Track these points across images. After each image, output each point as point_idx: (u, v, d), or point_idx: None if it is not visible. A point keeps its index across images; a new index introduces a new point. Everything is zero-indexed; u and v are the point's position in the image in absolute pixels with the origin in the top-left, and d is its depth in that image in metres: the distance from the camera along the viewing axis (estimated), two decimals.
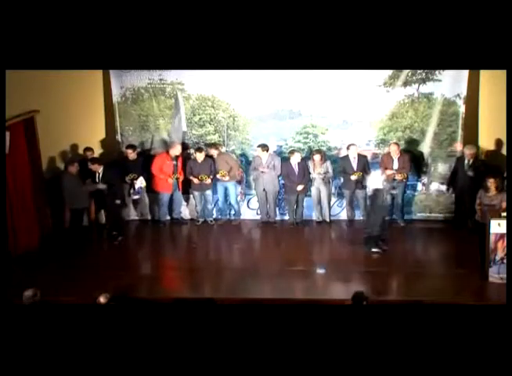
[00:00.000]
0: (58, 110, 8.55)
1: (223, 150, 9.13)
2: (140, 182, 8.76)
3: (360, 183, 8.63)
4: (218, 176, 8.83)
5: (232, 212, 9.30)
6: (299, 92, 8.86)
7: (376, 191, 7.66)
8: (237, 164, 9.06)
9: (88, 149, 8.86)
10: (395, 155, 8.57)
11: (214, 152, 8.88)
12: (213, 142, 9.09)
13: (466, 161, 8.37)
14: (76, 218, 8.46)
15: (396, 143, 8.63)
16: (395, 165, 8.60)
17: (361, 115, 8.94)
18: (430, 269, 7.36)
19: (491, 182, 7.34)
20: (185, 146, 9.15)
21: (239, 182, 9.21)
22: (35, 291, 5.41)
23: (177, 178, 8.86)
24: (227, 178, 8.84)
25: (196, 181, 8.82)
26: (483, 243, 6.85)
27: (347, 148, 8.73)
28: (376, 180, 7.77)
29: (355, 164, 8.69)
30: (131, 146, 8.92)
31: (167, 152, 8.86)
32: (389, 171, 8.54)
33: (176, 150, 8.81)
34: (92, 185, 8.40)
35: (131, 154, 8.87)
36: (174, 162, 8.82)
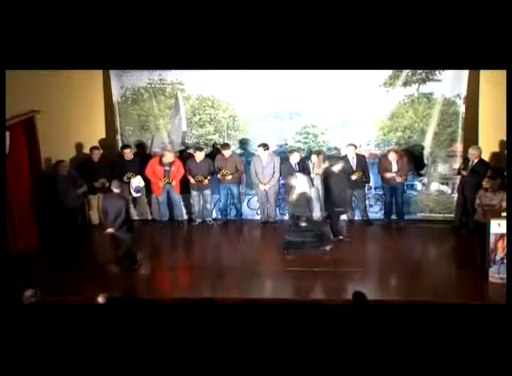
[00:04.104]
0: (58, 110, 8.54)
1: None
2: (138, 181, 8.75)
3: (360, 182, 8.65)
4: (218, 176, 8.82)
5: (233, 213, 9.30)
6: (299, 92, 8.85)
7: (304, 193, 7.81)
8: (244, 170, 9.01)
9: (94, 148, 8.88)
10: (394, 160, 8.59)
11: (227, 152, 8.82)
12: (225, 142, 9.03)
13: (470, 162, 8.37)
14: (70, 217, 8.46)
15: (395, 151, 8.61)
16: (394, 168, 8.61)
17: (361, 115, 8.93)
18: (431, 269, 7.37)
19: (490, 182, 7.33)
20: (185, 146, 9.19)
21: (240, 183, 9.19)
22: (35, 291, 5.41)
23: (169, 183, 8.84)
24: (229, 177, 8.83)
25: (192, 181, 8.82)
26: (483, 243, 6.85)
27: (346, 148, 8.77)
28: (303, 184, 7.88)
29: (354, 164, 8.70)
30: (128, 146, 8.97)
31: (161, 157, 8.82)
32: (389, 174, 8.55)
33: (167, 158, 8.75)
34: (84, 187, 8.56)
35: (128, 154, 8.91)
36: (167, 168, 8.77)
